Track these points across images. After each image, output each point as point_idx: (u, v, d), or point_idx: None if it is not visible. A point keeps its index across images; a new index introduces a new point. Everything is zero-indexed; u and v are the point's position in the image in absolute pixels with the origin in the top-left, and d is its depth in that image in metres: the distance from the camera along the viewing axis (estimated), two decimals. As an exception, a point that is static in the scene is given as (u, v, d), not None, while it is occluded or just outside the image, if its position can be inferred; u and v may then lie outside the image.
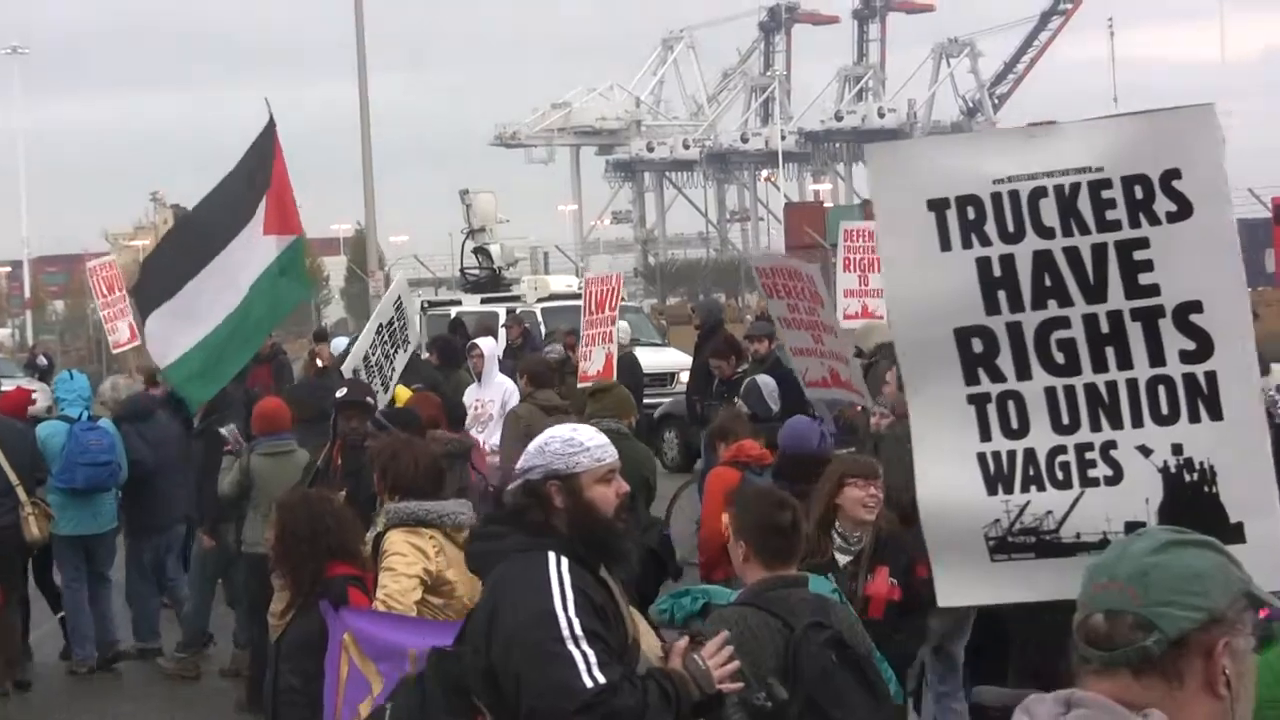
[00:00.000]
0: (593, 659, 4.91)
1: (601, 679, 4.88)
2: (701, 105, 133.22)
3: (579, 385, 15.68)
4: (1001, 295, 6.21)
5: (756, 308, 42.82)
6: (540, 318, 27.76)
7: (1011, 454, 6.29)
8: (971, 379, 6.30)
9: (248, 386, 16.99)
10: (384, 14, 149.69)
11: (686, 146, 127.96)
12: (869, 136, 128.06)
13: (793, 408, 12.18)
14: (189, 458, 14.51)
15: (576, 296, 30.66)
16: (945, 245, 6.20)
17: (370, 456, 8.91)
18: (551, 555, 5.16)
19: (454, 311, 28.00)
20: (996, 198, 6.17)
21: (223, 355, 13.60)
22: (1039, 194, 6.09)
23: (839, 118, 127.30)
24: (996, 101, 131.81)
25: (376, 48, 72.81)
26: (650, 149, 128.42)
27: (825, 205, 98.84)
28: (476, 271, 32.85)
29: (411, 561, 7.85)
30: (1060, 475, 6.26)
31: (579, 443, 5.37)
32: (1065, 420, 6.24)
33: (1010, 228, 6.15)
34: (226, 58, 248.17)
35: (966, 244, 6.19)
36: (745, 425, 11.77)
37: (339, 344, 20.81)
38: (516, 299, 29.83)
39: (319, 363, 21.02)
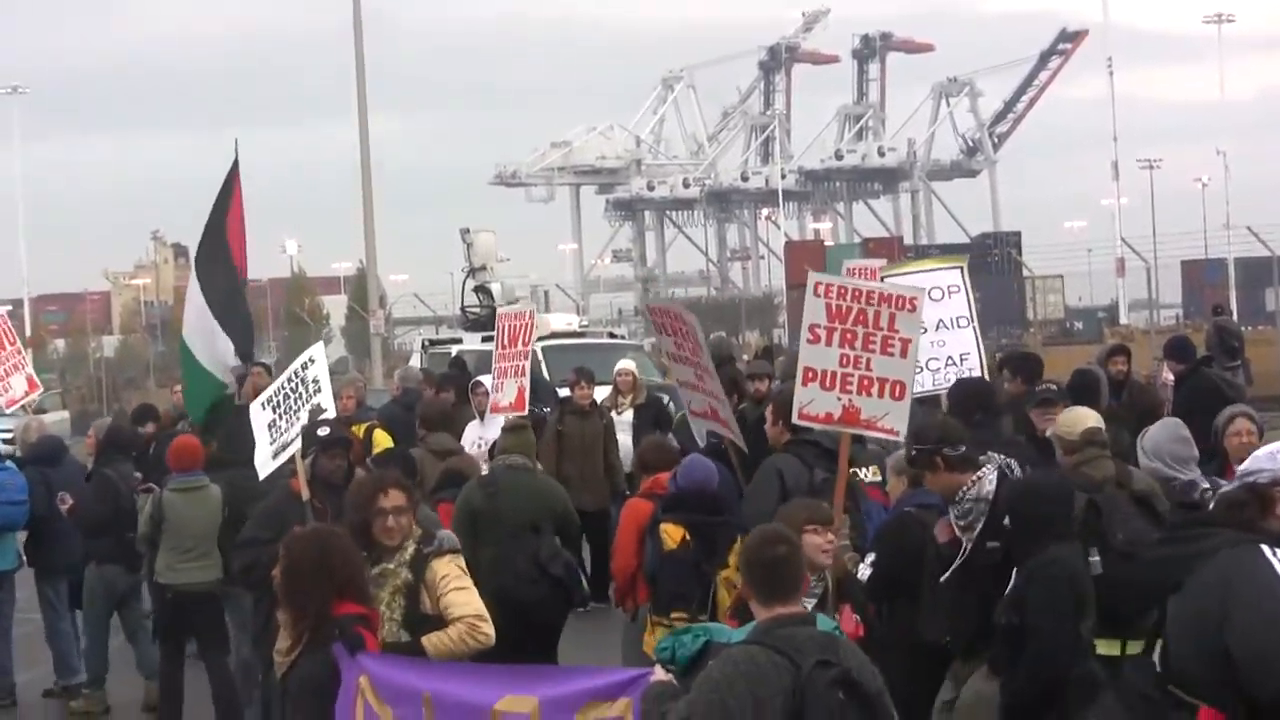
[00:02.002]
0: None
1: None
2: (702, 144, 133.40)
3: (491, 413, 15.87)
4: None
5: (756, 346, 42.87)
6: (541, 356, 27.76)
7: None
8: None
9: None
10: (384, 54, 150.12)
11: (687, 185, 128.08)
12: (869, 175, 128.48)
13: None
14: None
15: (578, 335, 30.76)
16: None
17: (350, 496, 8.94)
18: (1264, 549, 6.04)
19: (455, 350, 28.04)
20: None
21: (204, 383, 14.43)
22: None
23: (839, 156, 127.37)
24: (996, 141, 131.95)
25: (376, 87, 73.06)
26: (650, 188, 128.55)
27: (826, 244, 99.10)
28: (477, 310, 32.87)
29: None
30: None
31: None
32: None
33: None
34: (228, 98, 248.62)
35: None
36: (666, 458, 11.81)
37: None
38: (517, 337, 29.81)
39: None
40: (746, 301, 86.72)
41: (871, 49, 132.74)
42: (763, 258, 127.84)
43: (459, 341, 29.94)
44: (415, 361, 28.02)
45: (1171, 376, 17.27)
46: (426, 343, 29.60)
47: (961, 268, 15.45)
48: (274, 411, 11.30)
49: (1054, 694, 8.35)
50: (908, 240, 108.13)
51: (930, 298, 13.70)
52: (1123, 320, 70.94)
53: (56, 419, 28.48)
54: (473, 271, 33.66)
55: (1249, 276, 68.49)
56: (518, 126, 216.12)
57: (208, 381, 14.30)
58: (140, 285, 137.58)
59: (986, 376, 14.57)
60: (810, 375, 10.51)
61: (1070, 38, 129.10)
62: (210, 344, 14.20)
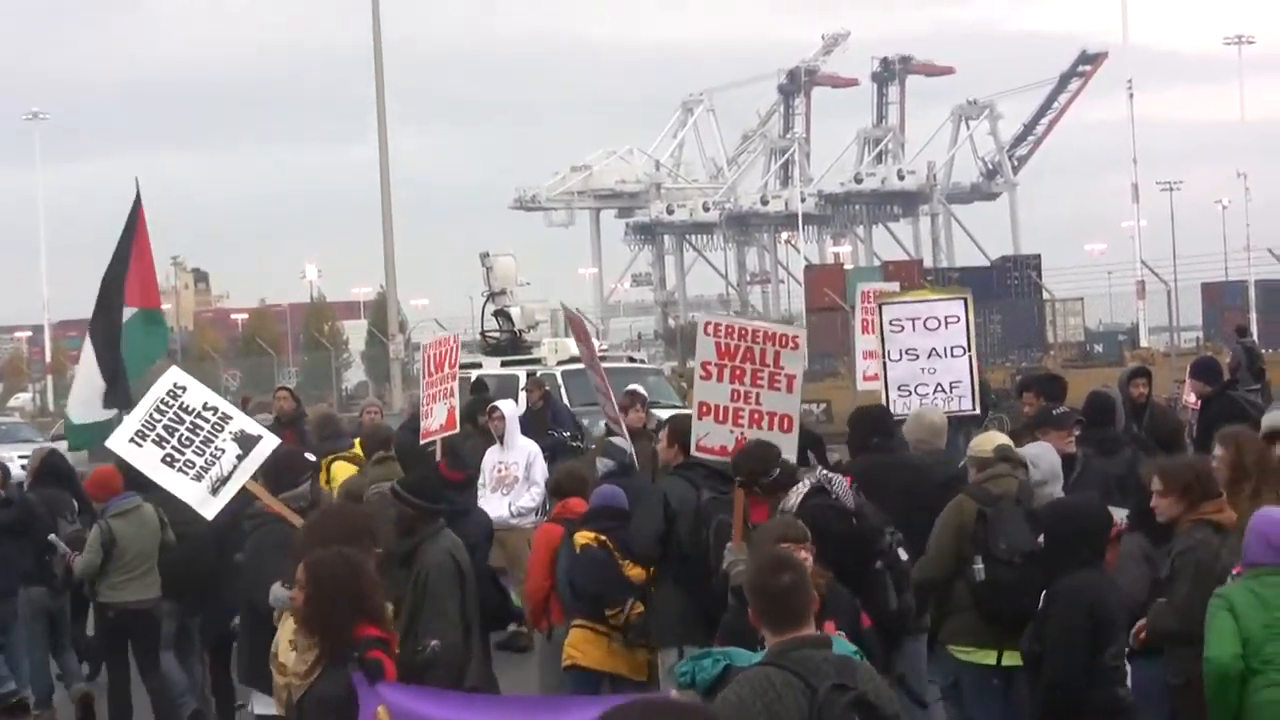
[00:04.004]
0: None
1: None
2: (721, 168, 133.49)
3: (422, 441, 15.95)
4: None
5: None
6: (560, 380, 27.76)
7: None
8: None
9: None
10: (404, 76, 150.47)
11: (706, 209, 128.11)
12: (889, 199, 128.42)
13: None
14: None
15: (600, 359, 30.74)
16: None
17: None
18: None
19: (474, 374, 28.04)
20: None
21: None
22: None
23: (859, 180, 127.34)
24: (1016, 163, 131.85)
25: (397, 111, 73.19)
26: (670, 211, 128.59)
27: (845, 267, 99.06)
28: (497, 334, 32.91)
29: None
30: None
31: None
32: None
33: None
34: (247, 121, 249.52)
35: None
36: (578, 484, 12.40)
37: None
38: (537, 361, 29.83)
39: None
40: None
41: (891, 72, 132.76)
42: (782, 281, 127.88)
43: (478, 366, 29.93)
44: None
45: (1193, 398, 17.21)
46: (458, 360, 29.52)
47: (965, 299, 15.93)
48: (159, 446, 10.95)
49: (1072, 715, 8.37)
50: (927, 263, 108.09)
51: (926, 327, 15.21)
52: (1143, 343, 70.71)
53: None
54: (492, 296, 33.67)
55: (1270, 298, 68.40)
56: (538, 149, 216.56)
57: (94, 429, 14.77)
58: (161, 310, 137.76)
59: (976, 406, 15.38)
60: (705, 409, 11.31)
61: (1090, 60, 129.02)
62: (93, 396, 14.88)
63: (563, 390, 26.76)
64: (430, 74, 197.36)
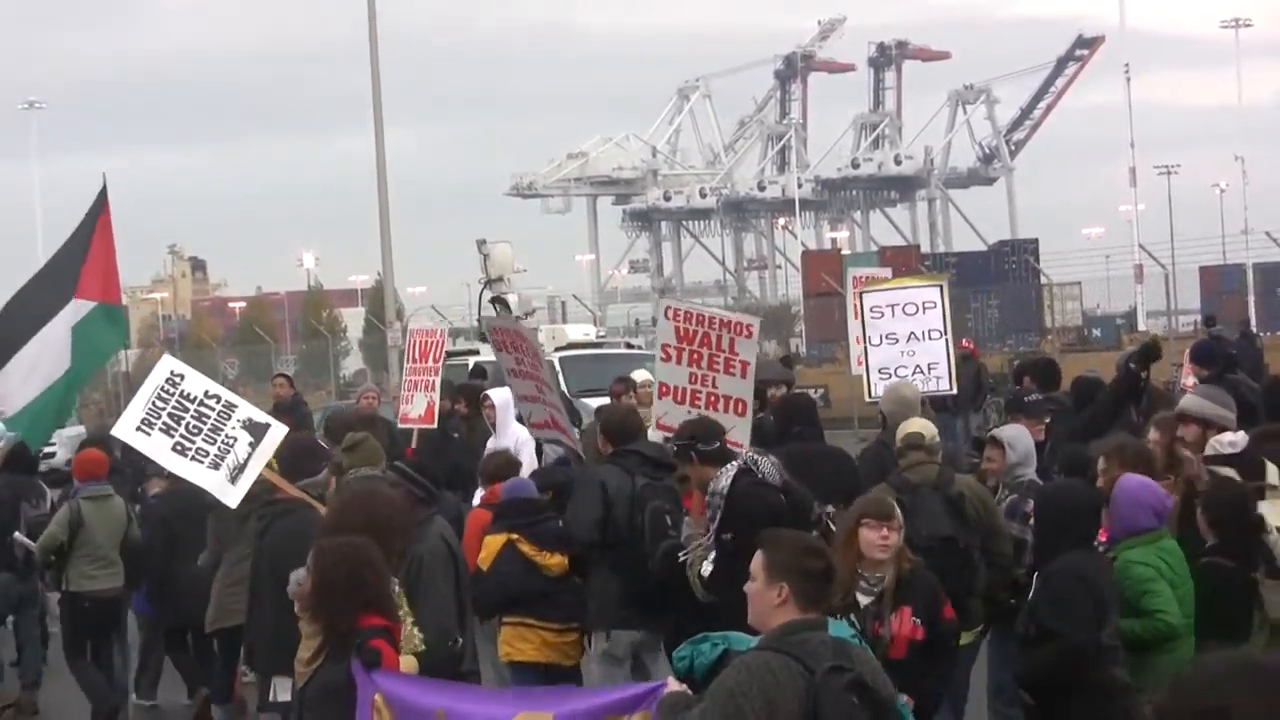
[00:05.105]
0: None
1: None
2: (718, 154, 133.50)
3: (400, 425, 15.97)
4: None
5: (775, 355, 42.84)
6: (558, 367, 27.75)
7: None
8: None
9: None
10: (400, 67, 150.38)
11: (703, 195, 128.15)
12: (886, 184, 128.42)
13: None
14: None
15: (595, 345, 30.76)
16: None
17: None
18: None
19: (471, 361, 28.02)
20: None
21: (61, 406, 14.86)
22: None
23: (855, 165, 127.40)
24: (1013, 148, 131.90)
25: (393, 100, 73.15)
26: (667, 198, 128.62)
27: (842, 253, 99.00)
28: (494, 321, 32.88)
29: None
30: None
31: None
32: None
33: None
34: (243, 111, 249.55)
35: None
36: (506, 471, 12.50)
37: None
38: (534, 348, 29.81)
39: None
40: (764, 311, 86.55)
41: (888, 57, 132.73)
42: (779, 267, 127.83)
43: (476, 353, 29.90)
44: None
45: (1193, 381, 17.19)
46: (443, 354, 29.50)
47: (941, 286, 16.60)
48: (167, 435, 10.89)
49: (1072, 695, 8.39)
50: (925, 249, 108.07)
51: (905, 312, 15.89)
52: (1141, 327, 70.72)
53: (73, 433, 28.46)
54: (489, 283, 33.63)
55: (1267, 282, 68.32)
56: (534, 136, 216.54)
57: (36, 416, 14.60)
58: (158, 299, 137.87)
59: (953, 385, 16.03)
60: (665, 390, 12.08)
61: (1087, 44, 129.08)
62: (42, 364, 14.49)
63: (560, 377, 26.73)
64: (427, 62, 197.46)
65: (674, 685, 6.52)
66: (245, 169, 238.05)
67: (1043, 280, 69.66)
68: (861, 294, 17.08)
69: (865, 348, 16.29)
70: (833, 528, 9.48)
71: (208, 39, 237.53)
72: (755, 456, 9.78)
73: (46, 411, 14.48)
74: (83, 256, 14.60)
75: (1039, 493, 9.32)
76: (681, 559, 9.61)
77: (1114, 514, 8.91)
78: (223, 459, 10.86)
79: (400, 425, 16.00)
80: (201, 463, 10.86)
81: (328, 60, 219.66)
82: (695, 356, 11.89)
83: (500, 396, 16.98)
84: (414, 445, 16.12)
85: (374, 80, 41.23)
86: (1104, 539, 8.96)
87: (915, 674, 8.30)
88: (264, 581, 10.25)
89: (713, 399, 11.83)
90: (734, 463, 9.61)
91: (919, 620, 8.50)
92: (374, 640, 7.55)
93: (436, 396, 15.69)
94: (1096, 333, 74.37)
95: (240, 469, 10.85)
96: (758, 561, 6.32)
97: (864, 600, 8.42)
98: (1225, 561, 8.85)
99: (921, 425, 11.07)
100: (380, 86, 41.35)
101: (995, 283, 76.11)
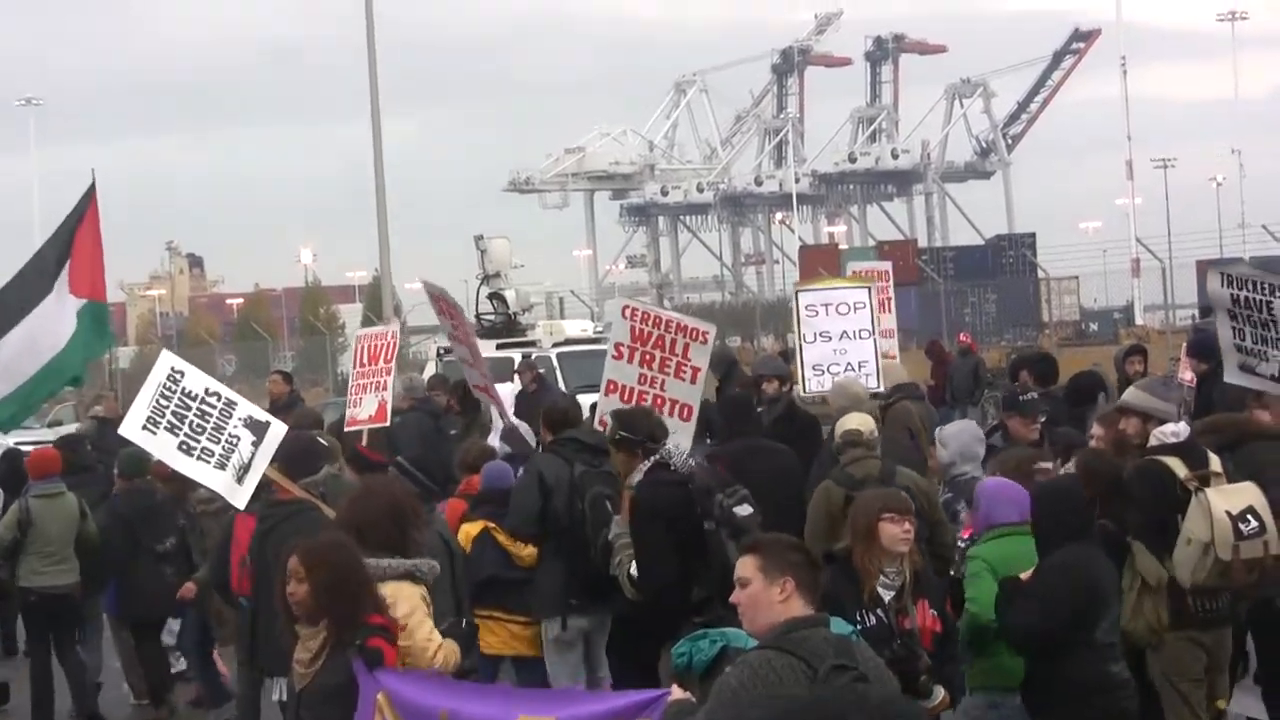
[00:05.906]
0: None
1: None
2: (715, 148, 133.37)
3: (346, 429, 15.90)
4: None
5: (772, 350, 42.82)
6: (556, 362, 27.75)
7: None
8: None
9: None
10: (398, 62, 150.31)
11: (700, 190, 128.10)
12: (883, 178, 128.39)
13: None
14: None
15: (593, 341, 30.67)
16: None
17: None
18: None
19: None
20: None
21: (32, 395, 14.55)
22: None
23: (853, 159, 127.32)
24: (1010, 142, 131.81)
25: (390, 95, 73.13)
26: (664, 193, 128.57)
27: (840, 247, 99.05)
28: (491, 317, 32.87)
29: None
30: None
31: None
32: None
33: None
34: (241, 106, 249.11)
35: None
36: (483, 461, 12.54)
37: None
38: (532, 344, 29.82)
39: (101, 412, 20.81)
40: (761, 306, 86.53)
41: (884, 51, 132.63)
42: (777, 262, 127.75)
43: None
44: (430, 369, 27.97)
45: (1190, 375, 17.18)
46: (441, 350, 29.51)
47: (869, 288, 17.59)
48: (172, 434, 10.77)
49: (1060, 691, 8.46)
50: (922, 243, 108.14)
51: (837, 312, 16.80)
52: (1138, 321, 70.79)
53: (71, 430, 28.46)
54: (487, 279, 33.62)
55: (1265, 275, 68.24)
56: (532, 132, 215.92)
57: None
58: (155, 296, 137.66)
59: (881, 384, 16.45)
60: (612, 388, 12.29)
61: (1083, 37, 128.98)
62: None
63: (558, 372, 26.74)
64: (423, 56, 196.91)
65: (678, 693, 6.54)
66: (243, 165, 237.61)
67: (1040, 274, 69.72)
68: (797, 292, 17.99)
69: (799, 344, 17.08)
70: (741, 510, 9.69)
71: (205, 34, 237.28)
72: (670, 449, 10.00)
73: (15, 397, 14.25)
74: (67, 252, 14.50)
75: (1037, 489, 9.35)
76: (613, 573, 9.94)
77: (974, 511, 9.49)
78: (228, 458, 10.78)
79: (347, 429, 15.81)
80: (208, 462, 10.78)
81: (326, 53, 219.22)
82: (647, 358, 12.12)
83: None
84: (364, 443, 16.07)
85: (372, 80, 41.29)
86: (965, 535, 9.61)
87: (939, 665, 8.43)
88: (268, 582, 10.25)
89: (660, 401, 12.02)
90: (650, 458, 9.86)
91: (935, 612, 8.61)
92: (374, 640, 7.54)
93: (389, 396, 15.74)
94: (1094, 327, 74.44)
95: (245, 468, 10.76)
96: (750, 565, 6.29)
97: (886, 595, 8.45)
98: (1108, 524, 9.20)
99: (860, 421, 11.22)
100: (378, 85, 41.42)
101: (992, 277, 76.25)
